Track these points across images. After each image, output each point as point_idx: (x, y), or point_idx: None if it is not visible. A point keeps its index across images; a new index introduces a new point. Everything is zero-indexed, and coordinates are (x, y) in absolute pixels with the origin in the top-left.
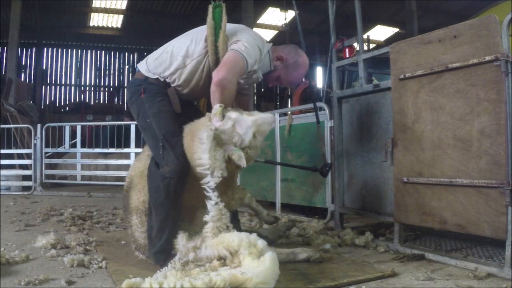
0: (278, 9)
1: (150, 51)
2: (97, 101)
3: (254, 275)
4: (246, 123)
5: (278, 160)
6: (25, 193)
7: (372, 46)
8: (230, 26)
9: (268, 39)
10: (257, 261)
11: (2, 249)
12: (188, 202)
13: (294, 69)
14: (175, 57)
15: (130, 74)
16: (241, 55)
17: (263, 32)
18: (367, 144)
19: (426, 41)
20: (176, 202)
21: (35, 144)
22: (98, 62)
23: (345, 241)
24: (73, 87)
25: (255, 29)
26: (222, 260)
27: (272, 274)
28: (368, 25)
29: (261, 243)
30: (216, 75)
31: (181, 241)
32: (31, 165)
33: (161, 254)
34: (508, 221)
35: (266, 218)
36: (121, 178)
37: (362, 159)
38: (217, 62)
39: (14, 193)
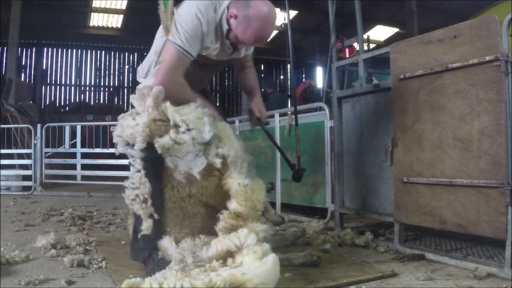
0: (278, 9)
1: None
2: (97, 101)
3: (255, 275)
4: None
5: (278, 159)
6: (25, 193)
7: (372, 46)
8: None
9: (268, 39)
10: (259, 261)
11: (2, 249)
12: (178, 211)
13: (246, 24)
14: (151, 56)
15: (130, 74)
16: (175, 46)
17: None
18: (367, 144)
19: (426, 41)
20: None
21: (35, 144)
22: (98, 62)
23: (345, 241)
24: (73, 87)
25: None
26: (221, 260)
27: (273, 276)
28: (368, 25)
29: (266, 244)
30: (155, 80)
31: (171, 246)
32: (31, 165)
33: (142, 251)
34: (508, 221)
35: (273, 218)
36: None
37: (362, 159)
38: None
39: (14, 193)
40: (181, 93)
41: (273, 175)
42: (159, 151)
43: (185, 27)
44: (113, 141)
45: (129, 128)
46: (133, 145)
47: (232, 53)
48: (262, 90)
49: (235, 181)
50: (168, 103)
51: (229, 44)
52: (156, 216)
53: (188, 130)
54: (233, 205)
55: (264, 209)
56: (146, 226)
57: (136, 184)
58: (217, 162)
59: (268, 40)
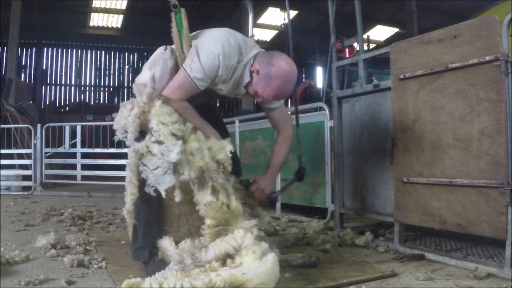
0: (278, 9)
1: (150, 51)
2: (97, 101)
3: (255, 275)
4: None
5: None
6: (25, 193)
7: (372, 46)
8: (205, 33)
9: (268, 39)
10: (259, 261)
11: (2, 249)
12: (175, 209)
13: (266, 82)
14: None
15: (130, 74)
16: (186, 73)
17: (263, 32)
18: (367, 144)
19: (426, 41)
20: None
21: (35, 144)
22: (98, 62)
23: (345, 241)
24: (73, 87)
25: (255, 29)
26: (221, 261)
27: (272, 276)
28: (368, 25)
29: (265, 243)
30: (164, 92)
31: (170, 247)
32: (31, 165)
33: (143, 250)
34: (508, 221)
35: (266, 227)
36: (121, 178)
37: (362, 159)
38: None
39: (14, 193)
40: (184, 114)
41: None
42: (133, 154)
43: (203, 63)
44: (113, 127)
45: (123, 118)
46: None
47: (245, 94)
48: None
49: (201, 202)
50: (159, 102)
51: (244, 92)
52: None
53: (159, 142)
54: (207, 221)
55: (258, 216)
56: (128, 208)
57: (131, 167)
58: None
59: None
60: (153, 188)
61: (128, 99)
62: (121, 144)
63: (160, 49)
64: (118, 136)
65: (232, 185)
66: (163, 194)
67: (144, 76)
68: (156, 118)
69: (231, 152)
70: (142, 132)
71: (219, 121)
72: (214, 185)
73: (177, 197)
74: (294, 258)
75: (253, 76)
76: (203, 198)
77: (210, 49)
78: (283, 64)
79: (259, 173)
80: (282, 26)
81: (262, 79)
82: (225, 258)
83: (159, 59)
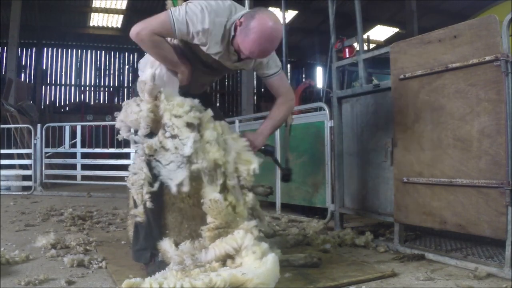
0: (278, 9)
1: None
2: (97, 101)
3: (255, 275)
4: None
5: (279, 161)
6: (25, 193)
7: (372, 46)
8: None
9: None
10: (259, 261)
11: (2, 249)
12: (177, 215)
13: (245, 34)
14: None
15: (130, 74)
16: (171, 15)
17: None
18: (367, 144)
19: (426, 41)
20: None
21: (35, 144)
22: (98, 62)
23: (345, 241)
24: (73, 87)
25: None
26: (221, 261)
27: (273, 276)
28: (368, 25)
29: (265, 244)
30: (133, 28)
31: (170, 248)
32: (31, 165)
33: (144, 252)
34: (508, 221)
35: (266, 229)
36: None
37: (362, 159)
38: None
39: (14, 193)
40: (152, 46)
41: (273, 175)
42: (146, 151)
43: (189, 11)
44: (116, 126)
45: (133, 113)
46: (136, 131)
47: (238, 62)
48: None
49: (207, 196)
50: (162, 96)
51: (234, 50)
52: (150, 205)
53: (173, 136)
54: (208, 219)
55: (258, 217)
56: (139, 212)
57: (136, 169)
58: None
59: (265, 54)
60: (159, 184)
61: (128, 99)
62: (121, 144)
63: None
64: (122, 134)
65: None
66: (174, 189)
67: (145, 75)
68: (168, 112)
69: (254, 172)
70: (150, 133)
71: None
72: (226, 184)
73: (185, 187)
74: (296, 259)
75: (237, 29)
76: (211, 193)
77: (198, 3)
78: (265, 18)
79: (260, 172)
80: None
81: (242, 32)
82: (225, 259)
83: None
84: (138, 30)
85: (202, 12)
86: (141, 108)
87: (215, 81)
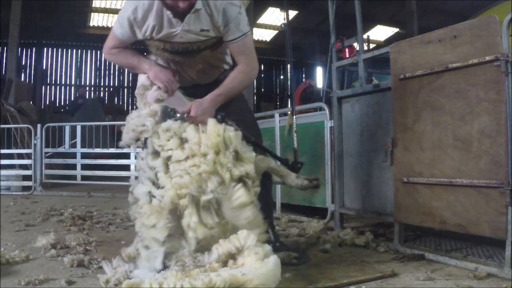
0: (278, 9)
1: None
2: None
3: (255, 276)
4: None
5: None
6: (25, 193)
7: (372, 46)
8: None
9: (268, 39)
10: (260, 262)
11: (2, 249)
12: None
13: None
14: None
15: (130, 74)
16: (113, 28)
17: (263, 32)
18: (367, 144)
19: (426, 41)
20: None
21: (35, 144)
22: (98, 62)
23: (345, 241)
24: (73, 87)
25: (254, 29)
26: (222, 262)
27: (273, 277)
28: (368, 25)
29: (268, 245)
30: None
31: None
32: (31, 165)
33: None
34: (508, 221)
35: (296, 182)
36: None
37: (362, 159)
38: None
39: (14, 193)
40: (115, 60)
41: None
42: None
43: (120, 12)
44: (121, 139)
45: (137, 117)
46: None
47: (185, 28)
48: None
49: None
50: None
51: (172, 15)
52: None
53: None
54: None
55: (282, 174)
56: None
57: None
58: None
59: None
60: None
61: (128, 99)
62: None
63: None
64: (124, 142)
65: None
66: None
67: (140, 80)
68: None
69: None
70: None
71: (243, 106)
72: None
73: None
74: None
75: None
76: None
77: (126, 3)
78: None
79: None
80: (282, 26)
81: None
82: (228, 259)
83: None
84: (103, 51)
85: (131, 5)
86: (142, 112)
87: (212, 65)
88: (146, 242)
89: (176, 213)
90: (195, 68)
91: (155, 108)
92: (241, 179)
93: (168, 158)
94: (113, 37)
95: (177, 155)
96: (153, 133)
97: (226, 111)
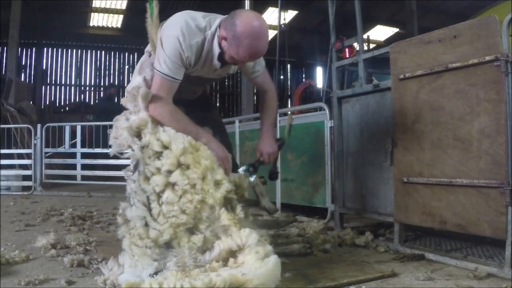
0: (277, 9)
1: None
2: (97, 101)
3: (255, 276)
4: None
5: (279, 161)
6: (25, 193)
7: (372, 46)
8: (166, 21)
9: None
10: (261, 262)
11: (2, 249)
12: None
13: (237, 44)
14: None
15: (130, 74)
16: (160, 73)
17: None
18: (367, 144)
19: (426, 41)
20: None
21: (35, 144)
22: (98, 62)
23: (345, 241)
24: (73, 87)
25: None
26: (222, 261)
27: (273, 277)
28: (368, 25)
29: (269, 246)
30: (150, 111)
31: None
32: (31, 165)
33: None
34: (508, 221)
35: (268, 205)
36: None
37: (362, 159)
38: None
39: (14, 193)
40: (169, 118)
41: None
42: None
43: (167, 51)
44: (109, 144)
45: (123, 129)
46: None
47: (222, 68)
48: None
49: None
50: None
51: (219, 65)
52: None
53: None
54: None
55: (259, 195)
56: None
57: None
58: None
59: (264, 51)
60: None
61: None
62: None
63: (145, 56)
64: (113, 150)
65: None
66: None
67: (135, 81)
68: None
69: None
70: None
71: (217, 123)
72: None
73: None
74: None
75: (222, 44)
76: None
77: (169, 35)
78: (246, 20)
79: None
80: (282, 26)
81: (231, 43)
82: (228, 256)
83: (146, 64)
84: (155, 111)
85: (176, 42)
86: (130, 122)
87: (208, 86)
88: (134, 253)
89: (170, 243)
90: (195, 90)
91: (144, 117)
92: (224, 198)
93: (159, 194)
94: (166, 85)
95: (170, 198)
96: (142, 157)
97: (206, 116)
